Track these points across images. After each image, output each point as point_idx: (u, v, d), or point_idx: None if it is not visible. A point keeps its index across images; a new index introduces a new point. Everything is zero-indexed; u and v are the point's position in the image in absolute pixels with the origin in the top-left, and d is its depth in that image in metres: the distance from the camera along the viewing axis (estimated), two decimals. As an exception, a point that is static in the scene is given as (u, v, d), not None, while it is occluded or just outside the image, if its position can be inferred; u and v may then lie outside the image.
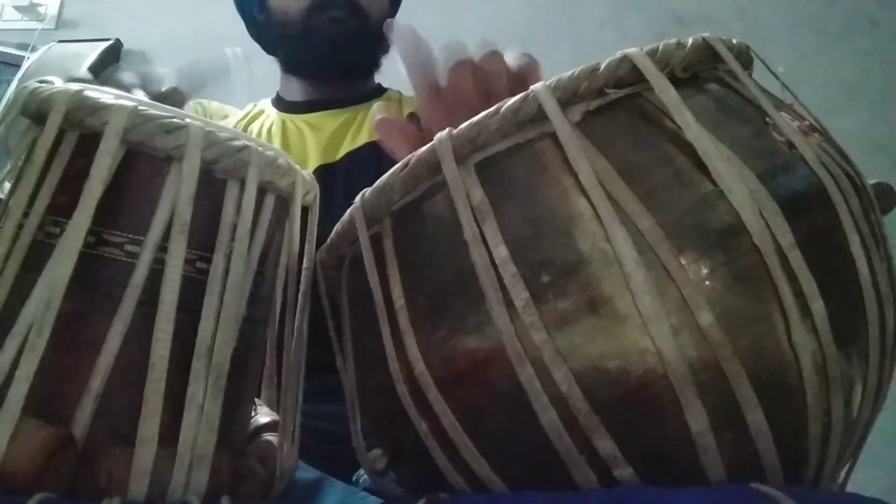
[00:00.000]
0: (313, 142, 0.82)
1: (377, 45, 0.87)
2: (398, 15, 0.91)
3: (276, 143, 0.83)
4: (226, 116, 0.89)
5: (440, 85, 0.45)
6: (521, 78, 0.45)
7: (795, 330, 0.27)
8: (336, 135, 0.83)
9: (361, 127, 0.84)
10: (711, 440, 0.27)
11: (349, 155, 0.81)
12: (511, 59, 0.46)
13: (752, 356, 0.27)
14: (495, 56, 0.46)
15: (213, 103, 0.90)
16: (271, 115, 0.89)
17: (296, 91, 0.89)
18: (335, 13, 0.80)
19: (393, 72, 0.92)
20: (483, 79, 0.44)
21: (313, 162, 0.80)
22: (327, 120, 0.85)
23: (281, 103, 0.90)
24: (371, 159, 0.78)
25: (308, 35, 0.81)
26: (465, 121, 0.32)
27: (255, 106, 0.92)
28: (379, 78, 0.93)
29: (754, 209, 0.28)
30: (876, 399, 0.32)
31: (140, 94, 0.45)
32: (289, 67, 0.89)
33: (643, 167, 0.29)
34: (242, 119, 0.89)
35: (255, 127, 0.87)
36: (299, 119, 0.86)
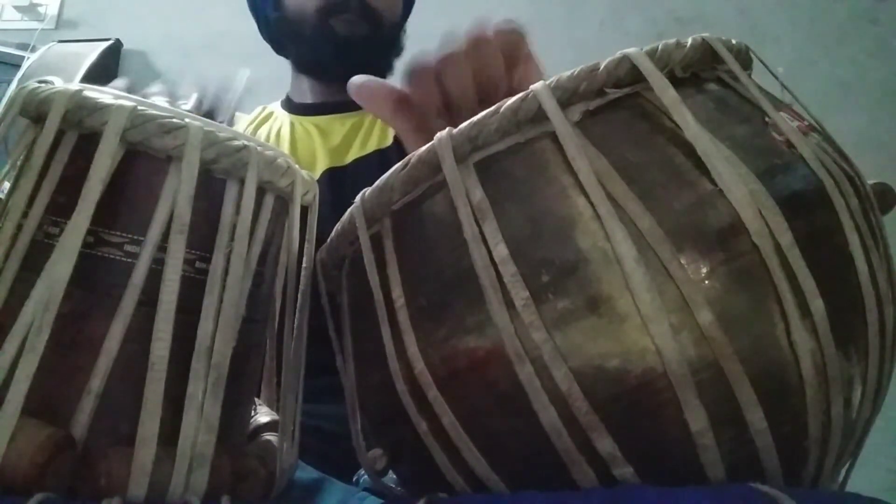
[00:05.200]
0: (322, 145, 0.83)
1: (390, 48, 0.87)
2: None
3: (285, 145, 0.83)
4: (233, 124, 0.89)
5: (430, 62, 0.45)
6: (511, 55, 0.45)
7: (795, 329, 0.27)
8: (345, 139, 0.83)
9: (370, 133, 0.84)
10: (711, 439, 0.27)
11: (357, 161, 0.81)
12: (497, 31, 0.46)
13: (751, 355, 0.27)
14: (478, 25, 0.45)
15: None
16: (280, 116, 0.89)
17: (306, 92, 0.89)
18: (349, 16, 0.81)
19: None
20: (476, 64, 0.44)
21: (322, 165, 0.81)
22: (336, 124, 0.85)
23: (290, 105, 0.90)
24: (379, 166, 0.78)
25: (321, 36, 0.81)
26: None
27: (263, 109, 0.92)
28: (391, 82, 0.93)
29: (754, 209, 0.28)
30: (876, 399, 0.32)
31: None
32: (300, 67, 0.89)
33: (643, 166, 0.29)
34: (251, 123, 0.89)
35: (263, 130, 0.87)
36: (308, 121, 0.86)
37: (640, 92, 0.31)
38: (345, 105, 0.86)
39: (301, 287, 0.40)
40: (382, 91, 0.46)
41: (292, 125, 0.86)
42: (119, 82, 0.43)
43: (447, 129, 0.32)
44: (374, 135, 0.84)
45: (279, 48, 0.91)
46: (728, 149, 0.29)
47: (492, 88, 0.44)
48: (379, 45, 0.84)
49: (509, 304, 0.28)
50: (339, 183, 0.78)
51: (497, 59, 0.45)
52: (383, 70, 0.89)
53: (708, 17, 1.47)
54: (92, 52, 1.71)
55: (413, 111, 0.45)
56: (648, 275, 0.27)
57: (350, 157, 0.82)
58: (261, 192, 0.36)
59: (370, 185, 0.35)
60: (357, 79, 0.47)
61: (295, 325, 0.40)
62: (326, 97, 0.88)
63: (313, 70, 0.88)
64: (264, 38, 0.92)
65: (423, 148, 0.32)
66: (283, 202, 0.38)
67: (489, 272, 0.29)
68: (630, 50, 0.31)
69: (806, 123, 0.34)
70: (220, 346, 0.32)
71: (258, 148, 0.35)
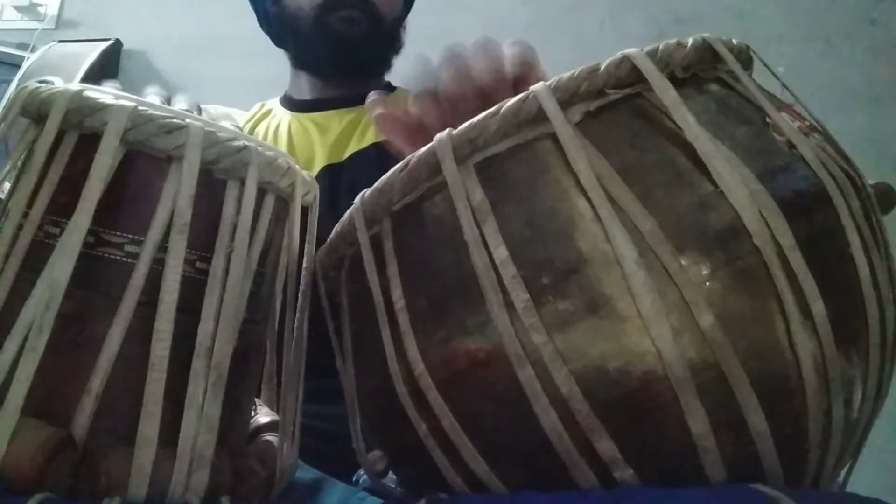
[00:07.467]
0: (320, 141, 0.82)
1: (389, 45, 0.87)
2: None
3: (283, 142, 0.83)
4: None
5: (437, 88, 0.46)
6: (522, 70, 0.46)
7: (796, 331, 0.27)
8: (343, 135, 0.83)
9: (368, 127, 0.84)
10: (712, 441, 0.27)
11: (355, 155, 0.81)
12: (505, 48, 0.46)
13: (752, 357, 0.27)
14: (487, 51, 0.46)
15: (219, 108, 0.90)
16: (279, 114, 0.89)
17: (305, 89, 0.89)
18: (348, 12, 0.80)
19: (405, 72, 0.92)
20: (478, 76, 0.45)
21: (319, 161, 0.80)
22: (334, 120, 0.85)
23: (289, 102, 0.90)
24: (377, 160, 0.78)
25: (320, 33, 0.81)
26: (461, 118, 0.32)
27: (262, 106, 0.92)
28: (390, 77, 0.93)
29: (754, 210, 0.28)
30: (876, 399, 0.32)
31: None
32: (299, 63, 0.89)
33: (643, 167, 0.29)
34: (248, 121, 0.89)
35: (261, 128, 0.87)
36: (306, 118, 0.86)
37: (640, 92, 0.31)
38: (343, 100, 0.86)
39: (301, 287, 0.40)
40: (397, 121, 0.49)
41: (290, 123, 0.86)
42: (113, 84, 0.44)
43: (447, 129, 0.32)
44: (372, 129, 0.83)
45: (279, 41, 0.91)
46: (729, 149, 0.29)
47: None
48: (378, 42, 0.84)
49: (509, 305, 0.28)
50: (337, 179, 0.78)
51: (505, 78, 0.46)
52: (381, 67, 0.89)
53: (708, 18, 1.47)
54: (92, 52, 1.71)
55: (426, 137, 0.47)
56: (649, 276, 0.27)
57: (348, 152, 0.81)
58: (261, 192, 0.36)
59: (367, 180, 0.34)
60: (374, 104, 0.50)
61: (295, 326, 0.40)
62: (325, 93, 0.87)
63: (312, 66, 0.87)
64: (264, 31, 0.91)
65: (424, 149, 0.32)
66: (283, 203, 0.38)
67: (489, 274, 0.29)
68: (630, 50, 0.31)
69: (807, 124, 0.33)
70: (221, 346, 0.32)
71: (259, 148, 0.35)
